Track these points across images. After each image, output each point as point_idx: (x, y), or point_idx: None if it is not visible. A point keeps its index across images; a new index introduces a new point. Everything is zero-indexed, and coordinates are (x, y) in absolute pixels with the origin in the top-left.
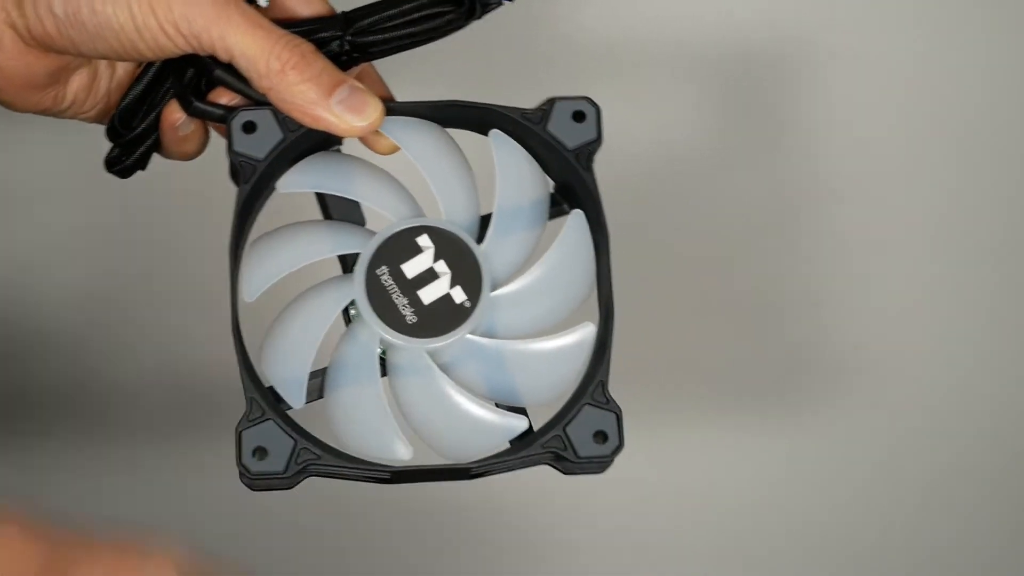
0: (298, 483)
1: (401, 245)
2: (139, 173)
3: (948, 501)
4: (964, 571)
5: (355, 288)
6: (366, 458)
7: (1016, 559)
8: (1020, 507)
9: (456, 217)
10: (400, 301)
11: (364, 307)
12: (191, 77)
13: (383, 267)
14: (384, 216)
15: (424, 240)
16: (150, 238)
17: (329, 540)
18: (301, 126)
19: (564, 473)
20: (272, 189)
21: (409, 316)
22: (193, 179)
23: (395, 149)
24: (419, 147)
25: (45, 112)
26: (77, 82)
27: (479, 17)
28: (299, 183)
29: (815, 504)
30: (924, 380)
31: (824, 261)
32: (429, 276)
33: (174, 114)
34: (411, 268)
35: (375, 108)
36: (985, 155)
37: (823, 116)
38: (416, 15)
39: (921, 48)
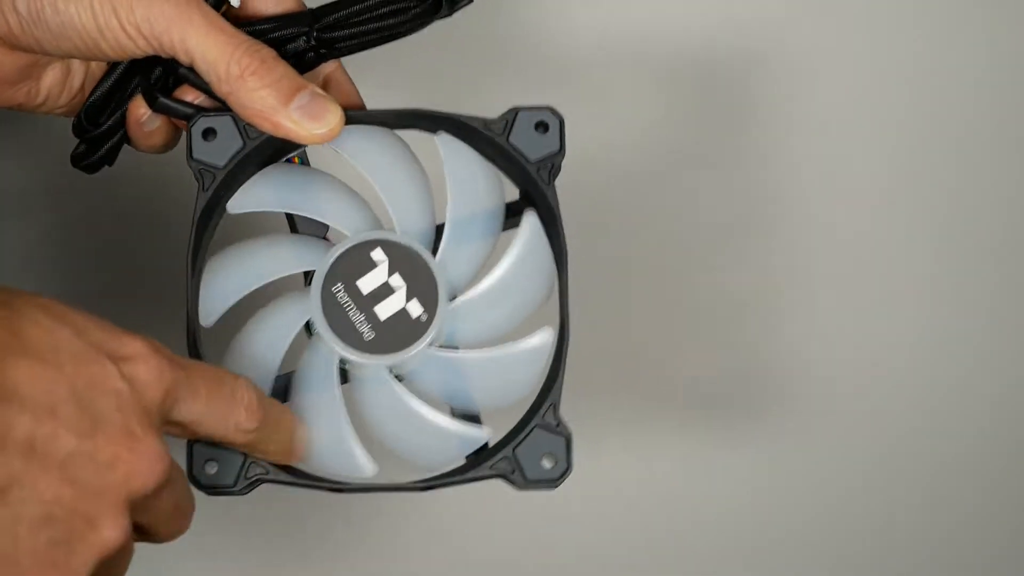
0: (251, 491)
1: (355, 260)
2: (106, 168)
3: (923, 509)
4: None
5: (311, 307)
6: (325, 474)
7: (997, 566)
8: (1000, 515)
9: (410, 228)
10: (357, 318)
11: (321, 326)
12: (158, 75)
13: (338, 284)
14: (340, 231)
15: (378, 254)
16: (113, 240)
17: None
18: (262, 133)
19: (516, 489)
20: (237, 189)
21: (367, 333)
22: (161, 177)
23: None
24: (371, 158)
25: (19, 107)
26: (50, 77)
27: (448, 14)
28: (249, 202)
29: (787, 514)
30: (896, 387)
31: (792, 268)
32: (384, 291)
33: (139, 109)
34: (366, 283)
35: (335, 115)
36: (957, 160)
37: (789, 124)
38: (383, 10)
39: (895, 51)
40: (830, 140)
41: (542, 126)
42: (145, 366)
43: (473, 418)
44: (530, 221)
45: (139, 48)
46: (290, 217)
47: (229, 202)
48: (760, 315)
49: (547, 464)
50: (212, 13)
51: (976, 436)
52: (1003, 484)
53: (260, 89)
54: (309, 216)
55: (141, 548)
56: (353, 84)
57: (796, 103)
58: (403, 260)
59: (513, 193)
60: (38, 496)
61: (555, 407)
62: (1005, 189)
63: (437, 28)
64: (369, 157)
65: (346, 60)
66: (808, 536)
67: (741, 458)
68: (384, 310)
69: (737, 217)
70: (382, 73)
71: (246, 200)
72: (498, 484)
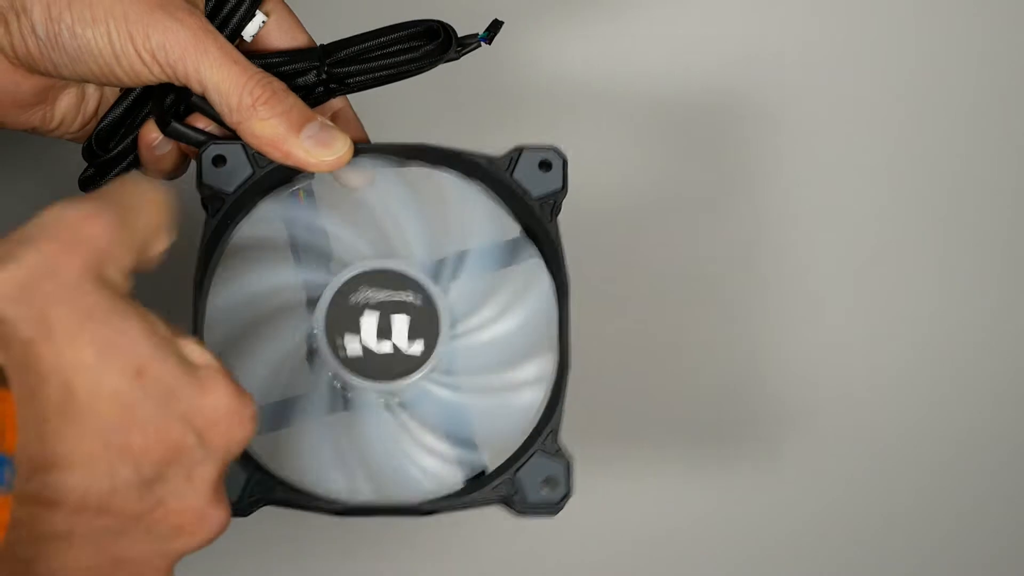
0: (253, 512)
1: (358, 288)
2: None
3: (913, 534)
4: None
5: (316, 332)
6: (321, 493)
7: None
8: (990, 534)
9: (413, 259)
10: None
11: (324, 349)
12: (171, 102)
13: (342, 310)
14: (344, 260)
15: (381, 282)
16: None
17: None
18: (271, 162)
19: (516, 514)
20: (244, 216)
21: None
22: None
23: (365, 182)
24: (375, 190)
25: (34, 131)
26: (65, 102)
27: (456, 57)
28: (256, 230)
29: (777, 542)
30: (905, 404)
31: (783, 301)
32: (385, 320)
33: (151, 133)
34: (369, 311)
35: (343, 143)
36: (954, 184)
37: (785, 163)
38: (393, 48)
39: (890, 87)
40: (826, 166)
41: (545, 165)
42: (227, 426)
43: (472, 445)
44: (532, 258)
45: (153, 75)
46: (294, 246)
47: (236, 229)
48: (760, 340)
49: (547, 489)
50: (227, 44)
51: (993, 446)
52: (975, 509)
53: (271, 118)
54: (314, 244)
55: None
56: (359, 121)
57: (790, 134)
58: (406, 289)
59: (515, 229)
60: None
61: (555, 433)
62: (1009, 196)
63: (442, 68)
64: (374, 189)
65: (353, 99)
66: (819, 555)
67: (747, 480)
68: (383, 338)
69: (736, 248)
70: (387, 110)
71: (253, 227)
72: (499, 515)
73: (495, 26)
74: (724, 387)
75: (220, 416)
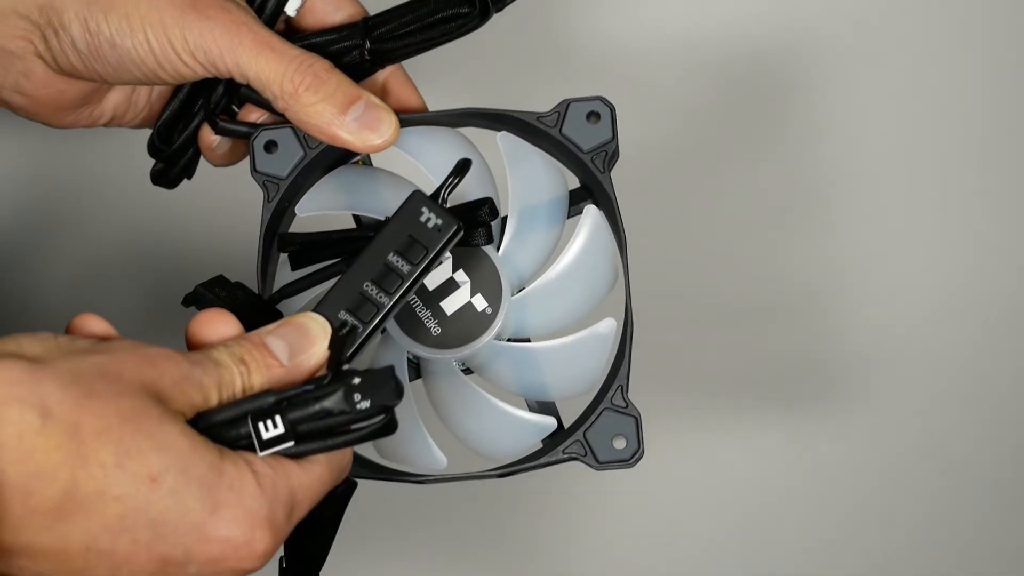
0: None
1: None
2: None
3: (964, 498)
4: (981, 564)
5: None
6: (399, 467)
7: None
8: None
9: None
10: (424, 314)
11: (390, 324)
12: (221, 94)
13: None
14: None
15: None
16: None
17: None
18: (321, 142)
19: (595, 469)
20: (305, 192)
21: (434, 328)
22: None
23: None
24: (433, 156)
25: (86, 127)
26: (114, 99)
27: (496, 11)
28: (317, 205)
29: (832, 502)
30: (942, 376)
31: (837, 258)
32: (450, 286)
33: (209, 136)
34: (432, 280)
35: (389, 124)
36: (993, 149)
37: (832, 114)
38: (432, 19)
39: (927, 46)
40: (877, 125)
41: (594, 115)
42: (226, 559)
43: (546, 406)
44: (591, 211)
45: (197, 74)
46: (356, 218)
47: (297, 205)
48: (821, 295)
49: (619, 445)
50: (263, 31)
51: None
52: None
53: (316, 104)
54: (374, 216)
55: None
56: (413, 84)
57: (843, 94)
58: (467, 255)
59: (573, 184)
60: None
61: (623, 389)
62: None
63: (490, 27)
64: (431, 155)
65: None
66: (844, 526)
67: (821, 430)
68: (450, 305)
69: (791, 201)
70: (436, 73)
71: (314, 203)
72: (572, 469)
73: None
74: (792, 340)
75: (223, 546)
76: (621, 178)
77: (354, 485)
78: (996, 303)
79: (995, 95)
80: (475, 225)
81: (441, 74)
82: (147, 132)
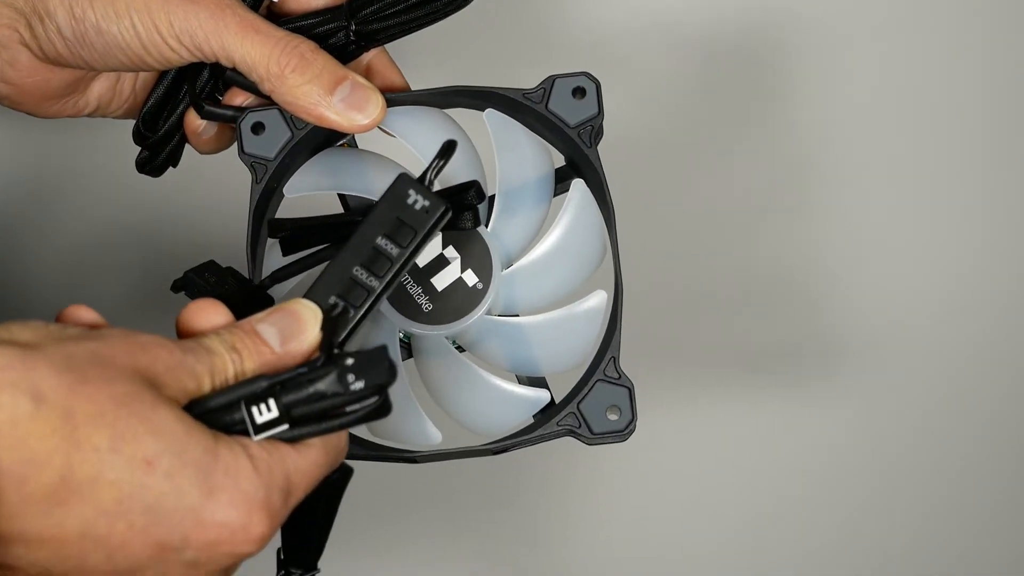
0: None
1: None
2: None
3: (960, 473)
4: (984, 540)
5: None
6: (394, 444)
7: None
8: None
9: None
10: (415, 291)
11: (382, 303)
12: (207, 79)
13: None
14: None
15: None
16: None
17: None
18: (308, 123)
19: (586, 444)
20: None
21: (425, 304)
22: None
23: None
24: (419, 136)
25: (70, 117)
26: (98, 87)
27: None
28: (304, 186)
29: (825, 477)
30: (934, 352)
31: (827, 236)
32: (440, 263)
33: (195, 121)
34: (422, 257)
35: (376, 104)
36: (976, 135)
37: (819, 95)
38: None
39: (915, 32)
40: (865, 103)
41: (579, 91)
42: (221, 542)
43: (537, 382)
44: (578, 187)
45: (183, 58)
46: (343, 197)
47: (285, 186)
48: (814, 274)
49: (612, 416)
50: (248, 14)
51: None
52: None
53: (302, 85)
54: (362, 195)
55: None
56: (396, 66)
57: (835, 76)
58: (456, 232)
59: (560, 161)
60: None
61: (615, 360)
62: None
63: (474, 8)
64: (418, 135)
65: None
66: (841, 500)
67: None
68: (441, 281)
69: (778, 179)
70: (420, 56)
71: (301, 183)
72: (566, 445)
73: None
74: (782, 317)
75: (220, 530)
76: (606, 156)
77: (350, 472)
78: (982, 286)
79: (979, 80)
80: (462, 208)
81: (425, 57)
82: (131, 122)
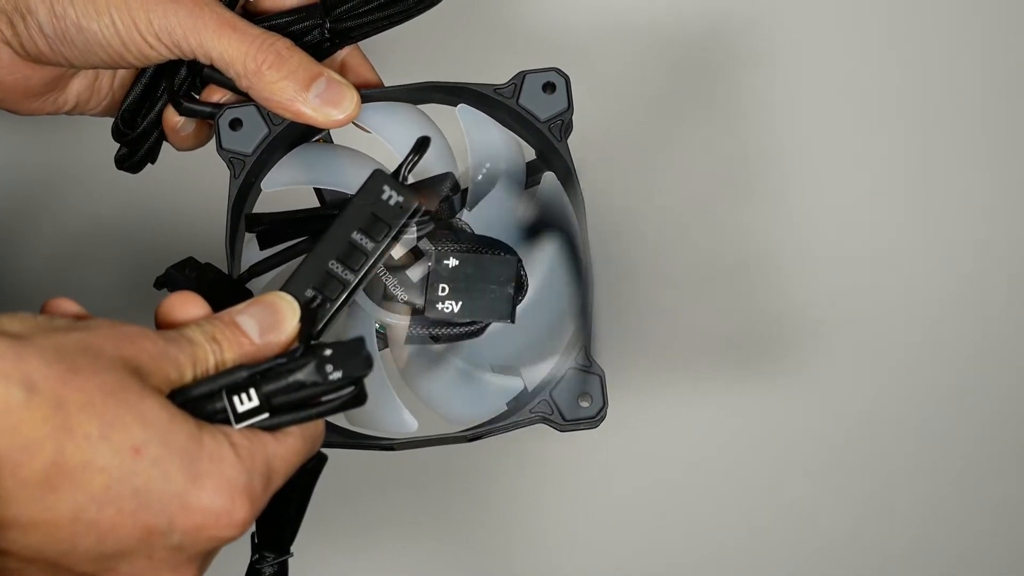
0: None
1: None
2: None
3: (934, 452)
4: (961, 521)
5: None
6: (372, 432)
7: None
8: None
9: None
10: (390, 282)
11: (358, 294)
12: (184, 76)
13: None
14: None
15: None
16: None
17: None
18: (285, 119)
19: (559, 430)
20: (269, 169)
21: (400, 295)
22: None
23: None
24: (393, 131)
25: (50, 114)
26: (77, 85)
27: None
28: (281, 180)
29: (799, 459)
30: (902, 332)
31: (789, 223)
32: (415, 255)
33: (174, 118)
34: (397, 249)
35: (351, 99)
36: (945, 116)
37: (786, 81)
38: None
39: (880, 22)
40: (826, 91)
41: (549, 87)
42: (206, 526)
43: (509, 368)
44: (546, 178)
45: (161, 56)
46: (319, 191)
47: (263, 181)
48: (768, 259)
49: (584, 403)
50: (225, 12)
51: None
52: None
53: (278, 81)
54: (338, 189)
55: None
56: (369, 63)
57: (793, 67)
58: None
59: (531, 155)
60: None
61: (586, 349)
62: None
63: (445, 6)
64: (392, 130)
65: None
66: (817, 481)
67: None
68: (415, 272)
69: (743, 168)
70: (393, 51)
71: (279, 178)
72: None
73: None
74: (746, 305)
75: (205, 515)
76: (576, 149)
77: (324, 459)
78: (955, 266)
79: (947, 62)
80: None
81: (398, 55)
82: (110, 120)
